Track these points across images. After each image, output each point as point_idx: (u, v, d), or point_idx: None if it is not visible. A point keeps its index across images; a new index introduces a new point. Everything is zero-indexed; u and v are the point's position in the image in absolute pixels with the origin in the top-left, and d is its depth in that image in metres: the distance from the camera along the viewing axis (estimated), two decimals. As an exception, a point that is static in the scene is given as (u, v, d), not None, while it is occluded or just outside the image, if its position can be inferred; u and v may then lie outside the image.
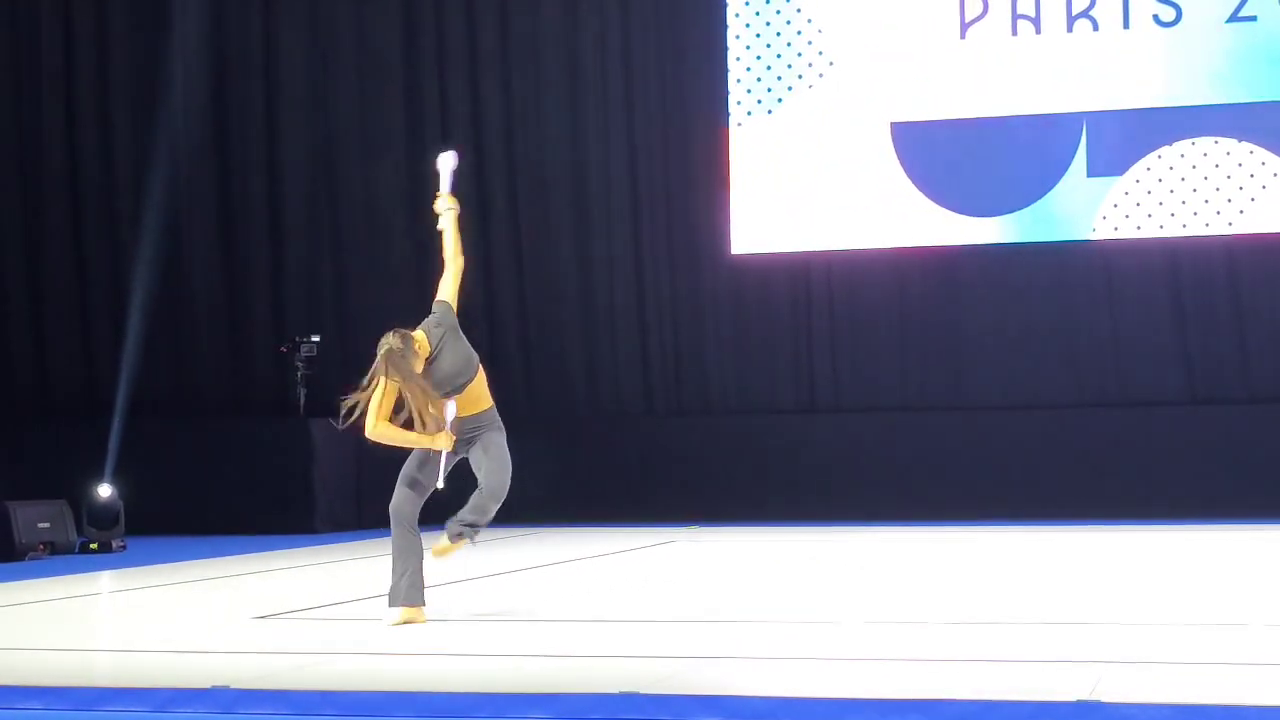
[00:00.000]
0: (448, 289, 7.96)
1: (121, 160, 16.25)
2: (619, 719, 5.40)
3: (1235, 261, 14.52)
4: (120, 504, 12.90)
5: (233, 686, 5.91)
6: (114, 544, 12.67)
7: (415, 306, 15.91)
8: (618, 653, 6.89)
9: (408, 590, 7.70)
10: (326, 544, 13.16)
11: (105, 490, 12.93)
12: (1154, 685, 5.74)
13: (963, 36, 14.93)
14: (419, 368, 7.62)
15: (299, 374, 14.76)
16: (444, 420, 7.66)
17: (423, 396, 7.60)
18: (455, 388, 7.76)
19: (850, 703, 5.47)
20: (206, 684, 5.93)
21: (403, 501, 7.80)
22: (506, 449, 7.95)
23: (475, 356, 7.86)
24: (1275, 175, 14.21)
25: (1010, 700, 5.36)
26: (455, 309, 7.90)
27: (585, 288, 15.83)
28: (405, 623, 7.61)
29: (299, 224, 16.31)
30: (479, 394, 7.87)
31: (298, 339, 14.88)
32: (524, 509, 14.84)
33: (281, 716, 5.63)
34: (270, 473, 14.52)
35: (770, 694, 5.80)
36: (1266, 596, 8.66)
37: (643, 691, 5.60)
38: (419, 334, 7.74)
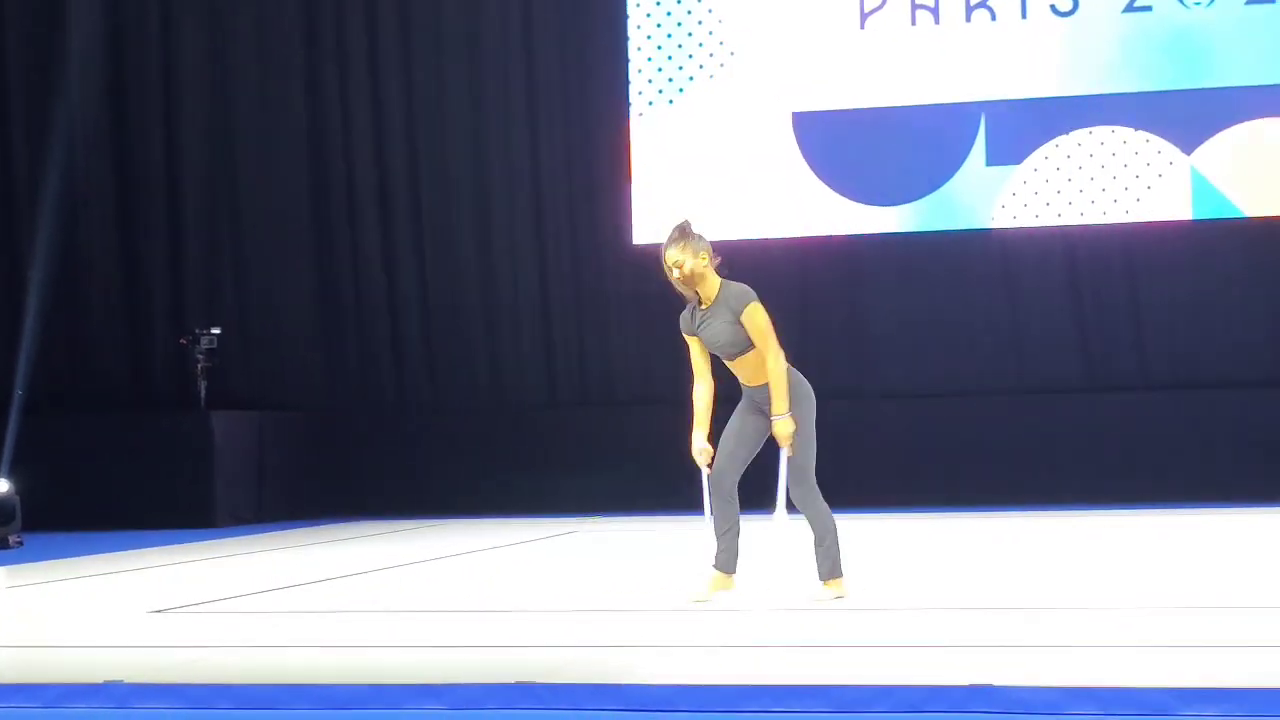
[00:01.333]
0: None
1: (18, 151, 16.04)
2: (514, 709, 5.40)
3: (1132, 249, 14.68)
4: (17, 499, 12.72)
5: (127, 681, 5.85)
6: (10, 540, 12.50)
7: (316, 297, 15.97)
8: (513, 643, 6.88)
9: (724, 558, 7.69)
10: (226, 538, 13.06)
11: (1, 485, 12.76)
12: (1045, 668, 5.79)
13: (862, 27, 15.00)
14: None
15: (199, 366, 14.65)
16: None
17: None
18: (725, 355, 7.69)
19: (745, 689, 5.48)
20: (100, 679, 5.88)
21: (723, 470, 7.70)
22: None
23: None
24: (1171, 164, 14.37)
25: (904, 685, 5.39)
26: (754, 330, 7.73)
27: (487, 279, 15.79)
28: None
29: (199, 215, 16.17)
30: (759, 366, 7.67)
31: (198, 331, 14.77)
32: (426, 501, 15.06)
33: (176, 710, 5.60)
34: (170, 466, 14.39)
35: (666, 681, 5.82)
36: (1155, 581, 8.76)
37: (538, 681, 5.59)
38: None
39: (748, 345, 7.72)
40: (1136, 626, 6.89)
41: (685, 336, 7.86)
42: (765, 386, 7.69)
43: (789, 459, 7.68)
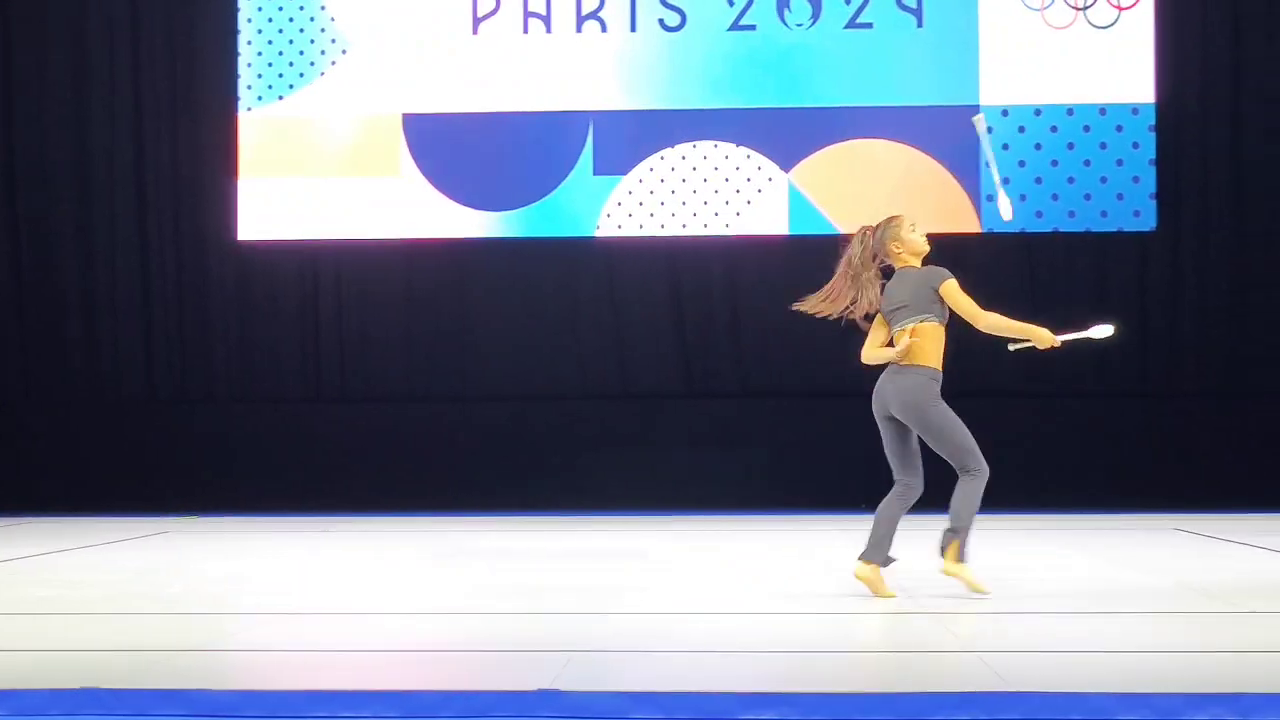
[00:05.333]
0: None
1: None
2: (74, 715, 5.27)
3: (732, 262, 15.04)
4: None
5: None
6: None
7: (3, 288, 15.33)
8: (81, 647, 6.72)
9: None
10: None
11: None
12: (614, 674, 5.90)
13: (475, 31, 15.06)
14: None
15: None
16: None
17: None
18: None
19: (314, 695, 5.45)
20: None
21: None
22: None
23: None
24: (770, 180, 14.78)
25: (470, 690, 5.43)
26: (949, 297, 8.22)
27: (88, 273, 15.37)
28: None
29: None
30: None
31: None
32: (21, 498, 14.60)
33: None
34: None
35: (234, 687, 5.75)
36: (736, 585, 8.99)
37: (103, 686, 5.48)
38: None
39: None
40: (703, 631, 7.07)
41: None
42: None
43: None
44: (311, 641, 6.93)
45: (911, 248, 8.36)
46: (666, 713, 5.23)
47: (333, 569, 10.08)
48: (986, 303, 15.07)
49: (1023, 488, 14.38)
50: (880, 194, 14.71)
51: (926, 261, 8.41)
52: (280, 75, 15.12)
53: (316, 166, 15.04)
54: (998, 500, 14.10)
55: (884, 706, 5.23)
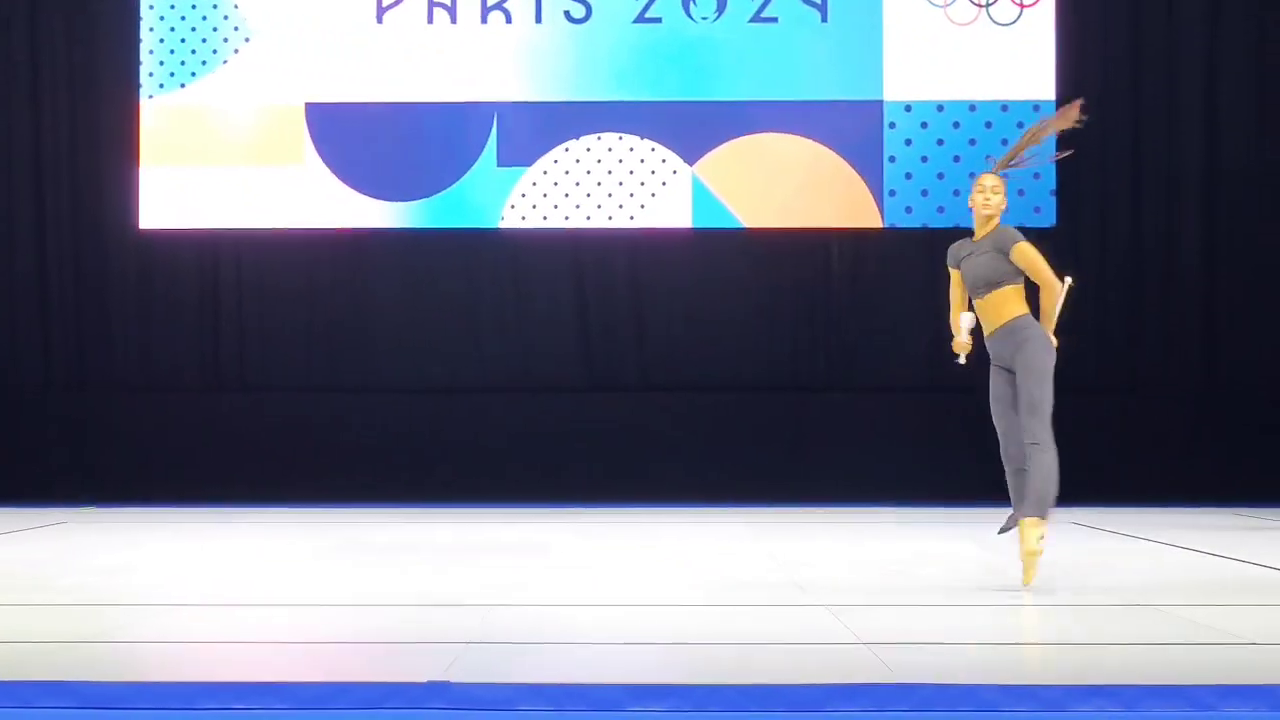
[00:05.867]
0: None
1: None
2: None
3: (635, 255, 15.06)
4: None
5: None
6: None
7: None
8: None
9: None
10: None
11: None
12: (507, 666, 5.90)
13: (379, 21, 15.00)
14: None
15: None
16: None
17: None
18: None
19: (205, 686, 5.43)
20: None
21: None
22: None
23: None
24: (675, 172, 14.81)
25: (361, 682, 5.42)
26: (1028, 265, 8.14)
27: (-19, 260, 15.21)
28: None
29: None
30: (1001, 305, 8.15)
31: None
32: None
33: None
34: None
35: (124, 679, 5.70)
36: (633, 578, 9.02)
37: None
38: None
39: (1000, 282, 8.16)
40: (598, 623, 7.09)
41: (949, 269, 8.46)
42: (1004, 330, 8.16)
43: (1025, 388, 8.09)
44: (203, 633, 6.89)
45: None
46: (557, 705, 5.25)
47: (228, 560, 10.03)
48: (890, 297, 15.19)
49: (922, 481, 14.52)
50: (784, 188, 14.80)
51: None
52: (182, 63, 15.00)
53: (219, 155, 14.94)
54: (892, 495, 14.29)
55: (773, 698, 5.27)
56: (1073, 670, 5.89)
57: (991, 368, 8.34)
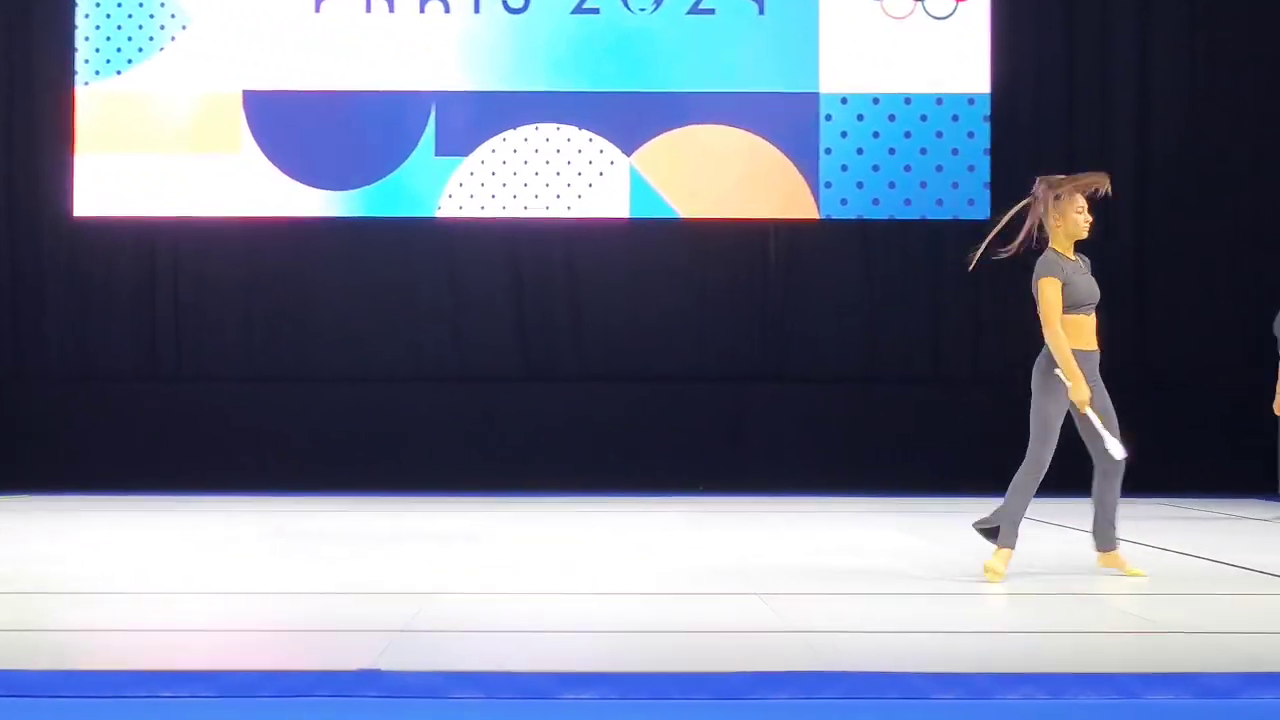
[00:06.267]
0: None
1: None
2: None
3: (572, 244, 15.08)
4: None
5: None
6: None
7: None
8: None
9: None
10: None
11: None
12: (438, 654, 5.92)
13: (318, 10, 14.96)
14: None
15: None
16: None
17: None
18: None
19: (133, 675, 5.40)
20: None
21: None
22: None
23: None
24: (612, 163, 14.83)
25: (290, 670, 5.42)
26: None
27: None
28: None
29: None
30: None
31: None
32: None
33: None
34: None
35: (51, 667, 5.68)
36: (565, 567, 9.04)
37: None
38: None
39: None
40: (528, 612, 7.12)
41: (1057, 280, 8.06)
42: (1096, 352, 8.12)
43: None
44: (132, 621, 6.87)
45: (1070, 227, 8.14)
46: (487, 692, 5.26)
47: (161, 549, 9.99)
48: (826, 288, 15.25)
49: (858, 471, 14.59)
50: (721, 180, 14.84)
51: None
52: (119, 49, 14.92)
53: (155, 143, 14.87)
54: (828, 484, 14.35)
55: (701, 685, 5.30)
56: (1000, 658, 5.94)
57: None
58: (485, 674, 5.41)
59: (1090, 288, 8.14)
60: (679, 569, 8.84)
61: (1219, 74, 15.22)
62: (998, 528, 8.12)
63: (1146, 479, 14.53)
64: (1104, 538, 8.28)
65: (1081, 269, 8.17)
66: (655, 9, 14.91)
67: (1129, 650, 6.24)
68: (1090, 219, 8.20)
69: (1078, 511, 11.11)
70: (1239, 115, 15.14)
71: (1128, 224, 15.09)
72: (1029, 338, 14.69)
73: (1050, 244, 8.18)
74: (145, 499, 13.71)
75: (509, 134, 14.87)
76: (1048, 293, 8.02)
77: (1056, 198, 8.16)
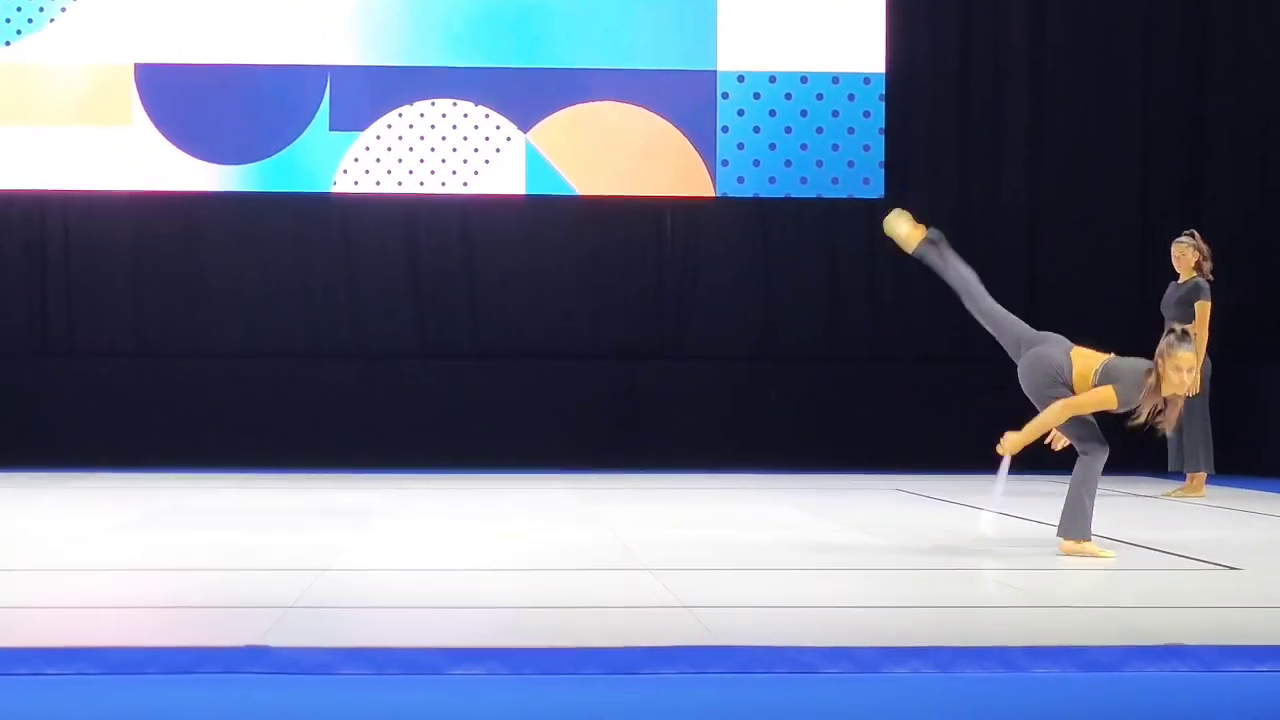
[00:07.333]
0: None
1: None
2: None
3: (469, 221, 15.04)
4: None
5: None
6: None
7: None
8: None
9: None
10: None
11: None
12: (327, 630, 5.89)
13: (211, -19, 14.82)
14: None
15: None
16: None
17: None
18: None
19: (14, 652, 5.34)
20: None
21: None
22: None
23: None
24: (509, 139, 14.79)
25: (175, 646, 5.37)
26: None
27: None
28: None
29: None
30: None
31: None
32: None
33: None
34: None
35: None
36: (457, 543, 9.02)
37: None
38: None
39: None
40: (419, 588, 7.10)
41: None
42: None
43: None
44: (13, 598, 6.79)
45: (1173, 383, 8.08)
46: (376, 668, 5.23)
47: (46, 525, 9.89)
48: (722, 266, 15.29)
49: (750, 448, 14.65)
50: (618, 157, 14.84)
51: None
52: (8, 20, 14.71)
53: (45, 115, 14.68)
54: (724, 461, 14.40)
55: (591, 661, 5.30)
56: (888, 632, 5.98)
57: None
58: (374, 650, 5.39)
59: None
60: (571, 545, 8.84)
61: (1112, 51, 15.35)
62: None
63: (1040, 457, 14.79)
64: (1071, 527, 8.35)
65: None
66: (545, -16, 14.86)
67: (1015, 624, 6.30)
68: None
69: (976, 489, 11.21)
70: (1129, 87, 15.31)
71: (1021, 200, 15.25)
72: (925, 315, 14.89)
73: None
74: (34, 475, 13.55)
75: (405, 109, 14.79)
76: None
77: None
